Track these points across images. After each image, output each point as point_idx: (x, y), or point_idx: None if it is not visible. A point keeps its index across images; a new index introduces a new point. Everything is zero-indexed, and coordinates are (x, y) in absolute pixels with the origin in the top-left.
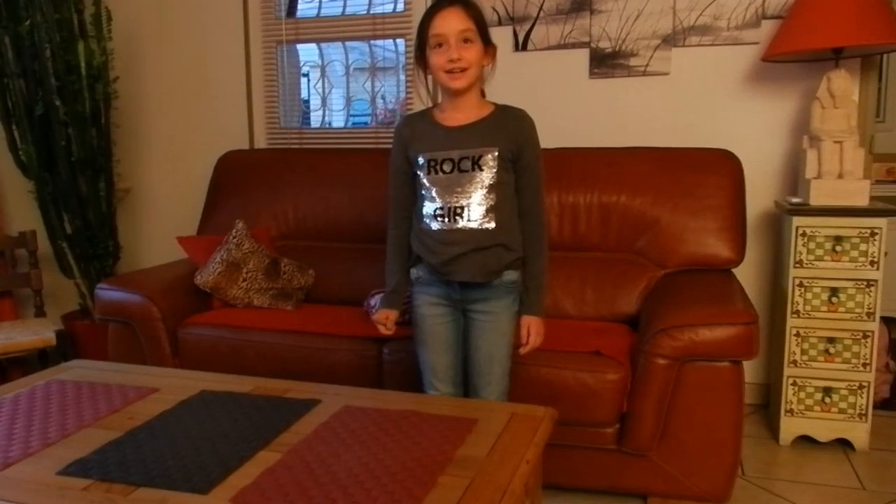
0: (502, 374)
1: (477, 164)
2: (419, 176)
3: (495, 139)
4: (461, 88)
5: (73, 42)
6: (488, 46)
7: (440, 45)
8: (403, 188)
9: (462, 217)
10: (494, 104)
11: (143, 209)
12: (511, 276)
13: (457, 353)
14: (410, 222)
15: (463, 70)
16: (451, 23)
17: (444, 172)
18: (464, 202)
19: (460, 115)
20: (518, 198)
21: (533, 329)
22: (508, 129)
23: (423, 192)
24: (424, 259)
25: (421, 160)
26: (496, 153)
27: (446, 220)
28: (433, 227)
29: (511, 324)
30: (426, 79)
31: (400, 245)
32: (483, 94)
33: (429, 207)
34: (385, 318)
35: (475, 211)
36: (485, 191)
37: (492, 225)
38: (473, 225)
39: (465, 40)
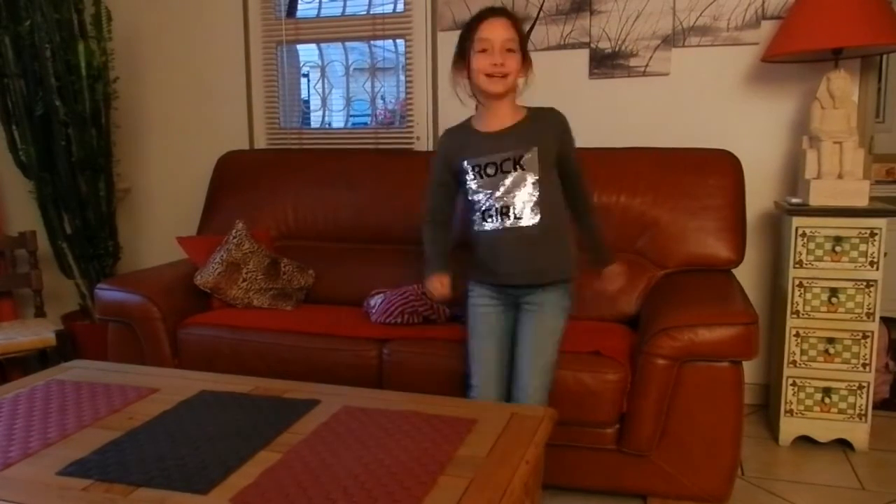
0: (546, 365)
1: (519, 164)
2: (466, 182)
3: (534, 138)
4: (499, 92)
5: (73, 42)
6: (525, 61)
7: (485, 49)
8: (443, 199)
9: (509, 216)
10: (527, 108)
11: (143, 209)
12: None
13: (504, 347)
14: (446, 221)
15: (504, 76)
16: (498, 30)
17: (488, 175)
18: (510, 201)
19: (497, 120)
20: (565, 180)
21: (617, 269)
22: (546, 124)
23: (471, 196)
24: (480, 266)
25: (465, 165)
26: (536, 151)
27: (496, 219)
28: (485, 228)
29: (560, 317)
30: (468, 82)
31: (436, 232)
32: None
33: (478, 211)
34: (439, 283)
35: (521, 208)
36: (528, 189)
37: (538, 220)
38: (522, 223)
39: (509, 49)
